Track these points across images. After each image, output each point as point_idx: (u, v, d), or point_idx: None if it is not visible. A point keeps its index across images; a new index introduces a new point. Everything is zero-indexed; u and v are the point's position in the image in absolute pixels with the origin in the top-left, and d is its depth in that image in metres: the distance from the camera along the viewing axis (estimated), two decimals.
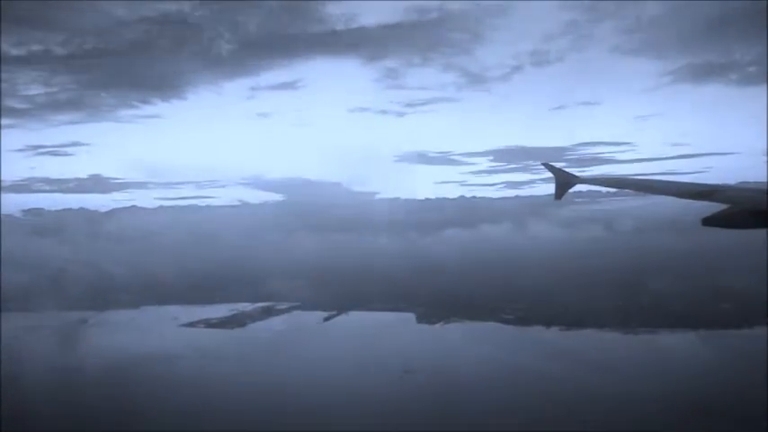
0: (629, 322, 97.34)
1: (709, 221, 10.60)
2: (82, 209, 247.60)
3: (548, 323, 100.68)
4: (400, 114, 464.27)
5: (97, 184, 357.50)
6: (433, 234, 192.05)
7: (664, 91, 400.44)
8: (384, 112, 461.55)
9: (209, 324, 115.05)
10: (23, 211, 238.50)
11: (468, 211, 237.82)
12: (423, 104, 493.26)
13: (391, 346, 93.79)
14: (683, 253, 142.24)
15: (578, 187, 19.24)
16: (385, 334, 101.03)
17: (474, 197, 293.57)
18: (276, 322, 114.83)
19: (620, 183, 16.22)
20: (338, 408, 71.59)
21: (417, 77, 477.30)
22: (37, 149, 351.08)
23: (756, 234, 10.53)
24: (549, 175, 20.17)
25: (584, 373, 79.30)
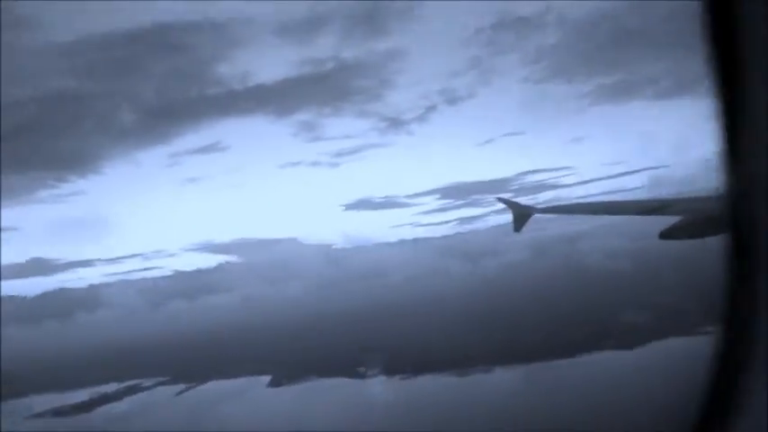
0: (469, 362, 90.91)
1: (665, 235, 10.94)
2: (11, 296, 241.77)
3: (391, 373, 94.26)
4: (333, 165, 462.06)
5: (40, 267, 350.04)
6: (330, 283, 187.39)
7: (586, 113, 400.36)
8: (316, 163, 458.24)
9: (56, 413, 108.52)
10: None
11: (390, 257, 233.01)
12: (352, 153, 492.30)
13: (210, 419, 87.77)
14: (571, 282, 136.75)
15: None
16: (217, 405, 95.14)
17: (416, 238, 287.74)
18: (124, 404, 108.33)
19: (576, 208, 16.55)
20: None
21: (335, 127, 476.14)
22: None
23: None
24: (500, 206, 20.27)
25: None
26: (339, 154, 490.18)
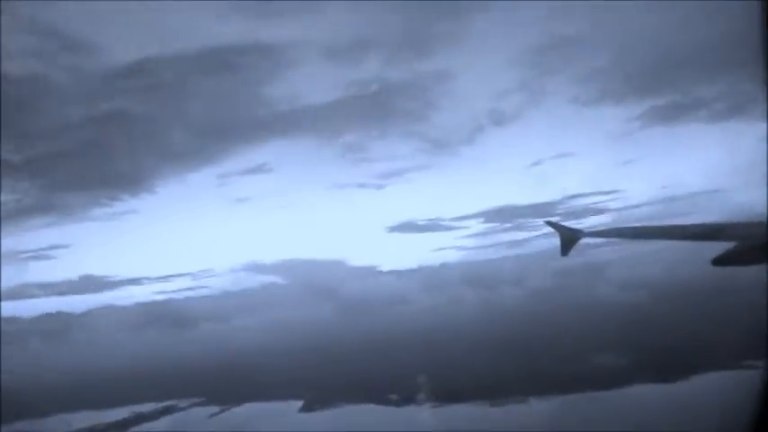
0: (506, 391, 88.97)
1: (719, 261, 10.57)
2: (59, 312, 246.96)
3: (421, 401, 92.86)
4: (379, 187, 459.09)
5: (90, 284, 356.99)
6: (371, 307, 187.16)
7: (637, 136, 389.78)
8: (363, 185, 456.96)
9: (91, 431, 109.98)
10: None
11: (433, 281, 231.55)
12: (397, 174, 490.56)
13: None
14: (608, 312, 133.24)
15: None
16: (249, 429, 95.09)
17: (460, 262, 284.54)
18: (159, 424, 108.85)
19: (626, 232, 16.31)
20: None
21: (381, 149, 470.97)
22: (17, 255, 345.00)
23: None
24: (548, 230, 20.12)
25: None
26: (385, 176, 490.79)
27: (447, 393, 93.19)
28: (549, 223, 20.52)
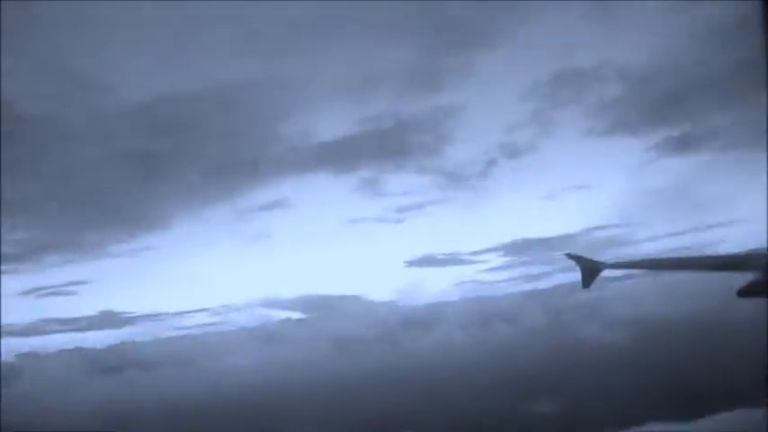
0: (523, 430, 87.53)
1: (744, 292, 10.60)
2: (79, 348, 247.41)
3: None
4: (398, 221, 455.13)
5: (109, 320, 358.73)
6: (390, 341, 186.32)
7: (653, 166, 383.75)
8: (381, 220, 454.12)
9: None
10: (18, 355, 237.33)
11: (451, 315, 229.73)
12: (415, 208, 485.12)
13: None
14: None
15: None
16: None
17: (479, 297, 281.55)
18: None
19: (648, 264, 16.36)
20: None
21: (397, 183, 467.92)
22: (37, 292, 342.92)
23: None
24: (568, 262, 20.04)
25: None
26: (402, 209, 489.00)
27: (463, 430, 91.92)
28: (570, 255, 20.18)
